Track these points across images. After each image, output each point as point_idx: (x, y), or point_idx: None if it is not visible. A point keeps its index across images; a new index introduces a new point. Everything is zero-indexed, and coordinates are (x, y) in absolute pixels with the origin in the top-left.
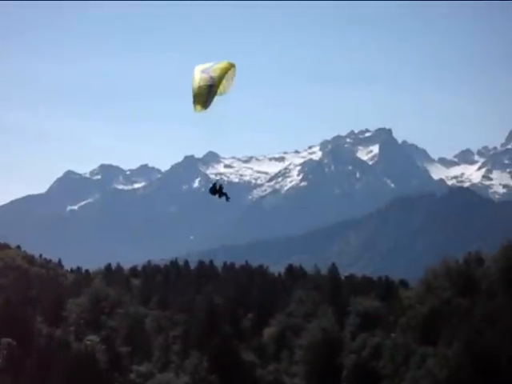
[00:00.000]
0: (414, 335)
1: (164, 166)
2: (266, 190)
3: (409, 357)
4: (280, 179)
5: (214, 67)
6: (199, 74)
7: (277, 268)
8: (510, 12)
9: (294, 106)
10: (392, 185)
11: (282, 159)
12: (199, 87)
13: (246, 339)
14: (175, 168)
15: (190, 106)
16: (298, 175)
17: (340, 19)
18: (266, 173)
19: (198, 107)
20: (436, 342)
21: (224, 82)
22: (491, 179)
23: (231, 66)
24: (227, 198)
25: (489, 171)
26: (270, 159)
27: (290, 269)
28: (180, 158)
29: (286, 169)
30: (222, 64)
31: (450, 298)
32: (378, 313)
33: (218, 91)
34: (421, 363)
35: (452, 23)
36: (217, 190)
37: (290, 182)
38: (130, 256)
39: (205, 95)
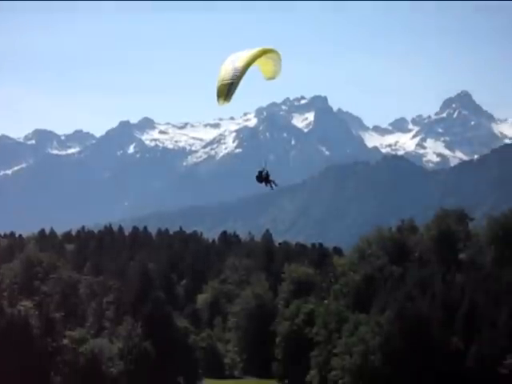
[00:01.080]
0: (347, 302)
1: (99, 132)
2: (200, 157)
3: (342, 324)
4: (215, 146)
5: (243, 56)
6: (226, 66)
7: (211, 235)
8: None
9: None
10: (327, 152)
11: (217, 126)
12: (222, 83)
13: (179, 305)
14: (110, 133)
15: (126, 73)
16: (233, 142)
17: None
18: (201, 139)
19: (221, 101)
20: (369, 309)
21: (267, 67)
22: (425, 148)
23: (263, 52)
24: (275, 185)
25: (423, 140)
26: (206, 126)
27: (224, 235)
28: (115, 124)
29: (221, 135)
30: (252, 52)
31: (383, 265)
32: (311, 280)
33: (266, 76)
34: (353, 330)
35: None
36: (263, 178)
37: (225, 148)
38: (64, 221)
39: (226, 90)
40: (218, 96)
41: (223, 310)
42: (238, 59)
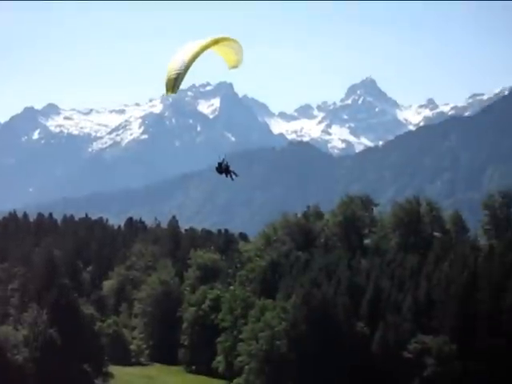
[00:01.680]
0: (253, 288)
1: (3, 118)
2: (106, 143)
3: (248, 309)
4: (120, 132)
5: (192, 47)
6: (176, 57)
7: (117, 221)
8: None
9: (134, 58)
10: (232, 138)
11: (122, 112)
12: (169, 76)
13: (85, 292)
14: (14, 119)
15: (31, 58)
16: (139, 128)
17: None
18: (107, 125)
19: (169, 92)
20: (275, 294)
21: (230, 56)
22: (330, 134)
23: (214, 42)
24: (235, 175)
25: (328, 126)
26: (111, 111)
27: (130, 222)
28: (19, 110)
29: (126, 121)
30: (202, 43)
31: (289, 251)
32: (217, 266)
33: (229, 65)
34: (260, 316)
35: None
36: (223, 169)
37: (131, 134)
38: None
39: (173, 82)
40: (166, 88)
41: (129, 297)
42: (187, 50)
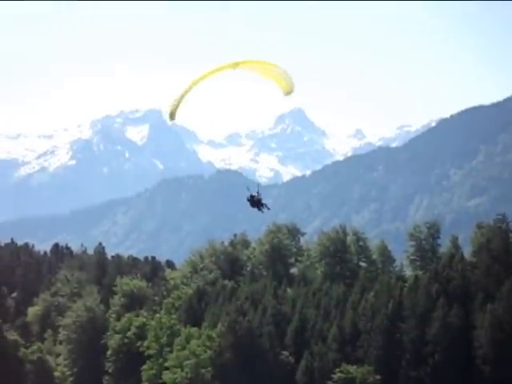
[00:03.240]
0: (179, 316)
1: None
2: (33, 168)
3: (173, 337)
4: (48, 157)
5: (199, 74)
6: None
7: (43, 247)
8: None
9: (62, 84)
10: (161, 166)
11: (50, 137)
12: (172, 104)
13: (9, 318)
14: None
15: None
16: (67, 153)
17: None
18: (34, 150)
19: (169, 121)
20: (201, 322)
21: (282, 83)
22: (258, 162)
23: (220, 69)
24: (268, 209)
25: (256, 154)
26: (39, 136)
27: (56, 248)
28: None
29: (54, 146)
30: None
31: (216, 279)
32: (143, 293)
33: (284, 92)
34: (185, 344)
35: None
36: (255, 201)
37: (59, 160)
38: None
39: (171, 110)
40: (170, 116)
41: (54, 323)
42: (194, 77)
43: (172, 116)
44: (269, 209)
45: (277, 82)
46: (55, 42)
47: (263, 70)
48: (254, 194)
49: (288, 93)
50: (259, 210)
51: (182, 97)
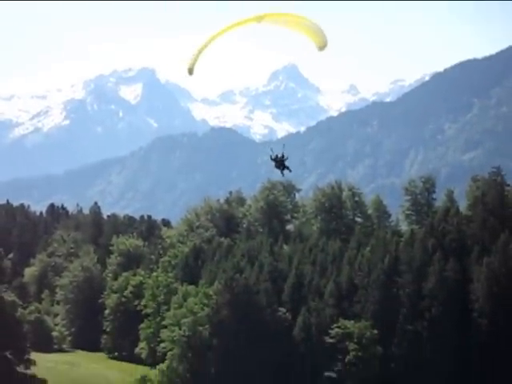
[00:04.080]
0: (175, 274)
1: None
2: (27, 129)
3: (170, 296)
4: (42, 117)
5: (220, 28)
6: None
7: (38, 207)
8: None
9: (55, 44)
10: (155, 124)
11: (44, 97)
12: (189, 65)
13: (6, 279)
14: None
15: None
16: (61, 114)
17: None
18: (28, 111)
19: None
20: (198, 280)
21: (313, 37)
22: (252, 120)
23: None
24: (289, 170)
25: (250, 112)
26: (32, 97)
27: (52, 208)
28: None
29: (48, 107)
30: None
31: (212, 237)
32: (140, 252)
33: (318, 47)
34: (182, 302)
35: None
36: (279, 162)
37: (52, 120)
38: None
39: (189, 64)
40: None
41: (51, 284)
42: (213, 31)
43: (190, 71)
44: (290, 171)
45: (309, 36)
46: (48, 3)
47: (292, 23)
48: (280, 155)
49: (322, 47)
50: (281, 170)
51: (200, 51)
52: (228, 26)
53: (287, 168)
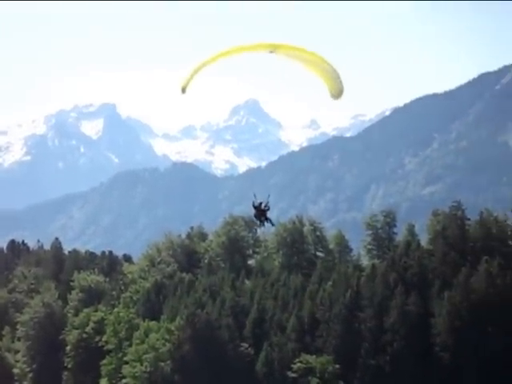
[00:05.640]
0: (137, 310)
1: None
2: None
3: (132, 331)
4: (2, 153)
5: (219, 51)
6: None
7: None
8: None
9: (14, 80)
10: (116, 159)
11: (4, 133)
12: (183, 83)
13: None
14: None
15: None
16: (22, 149)
17: None
18: None
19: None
20: (159, 316)
21: (329, 82)
22: (213, 154)
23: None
24: (272, 225)
25: (211, 147)
26: None
27: (12, 244)
28: None
29: (8, 143)
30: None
31: (173, 272)
32: (101, 288)
33: (332, 95)
34: (144, 338)
35: None
36: (260, 212)
37: (13, 156)
38: None
39: (184, 87)
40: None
41: (12, 320)
42: (217, 52)
43: (183, 90)
44: (273, 225)
45: (325, 81)
46: (6, 38)
47: (309, 62)
48: (263, 203)
49: (336, 96)
50: (261, 222)
51: (196, 71)
52: (234, 48)
53: (268, 220)
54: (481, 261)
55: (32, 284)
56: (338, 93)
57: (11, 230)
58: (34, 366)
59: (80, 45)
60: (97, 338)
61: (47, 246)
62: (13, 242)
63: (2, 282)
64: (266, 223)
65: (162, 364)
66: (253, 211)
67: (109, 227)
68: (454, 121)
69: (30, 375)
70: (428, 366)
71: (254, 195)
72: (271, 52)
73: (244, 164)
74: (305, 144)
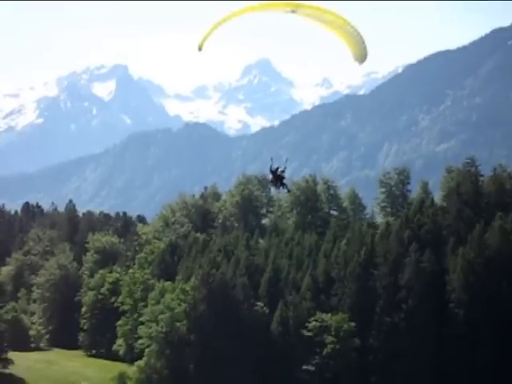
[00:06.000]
0: (152, 270)
1: None
2: (0, 128)
3: (147, 292)
4: (15, 116)
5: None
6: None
7: (13, 206)
8: None
9: (26, 41)
10: (128, 121)
11: (16, 96)
12: (200, 40)
13: None
14: None
15: None
16: (34, 112)
17: None
18: (1, 110)
19: (198, 50)
20: (174, 276)
21: (353, 45)
22: (226, 114)
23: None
24: (288, 190)
25: (224, 106)
26: (5, 96)
27: (27, 206)
28: None
29: (21, 105)
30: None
31: (188, 232)
32: (115, 249)
33: (356, 59)
34: (159, 298)
35: None
36: (276, 176)
37: (26, 118)
38: None
39: (201, 39)
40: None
41: (28, 282)
42: (236, 9)
43: (200, 48)
44: (289, 191)
45: (348, 45)
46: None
47: (333, 24)
48: (281, 168)
49: (360, 61)
50: (277, 187)
51: (213, 29)
52: (253, 6)
53: (285, 186)
54: (495, 217)
55: (47, 246)
56: (362, 57)
57: (25, 192)
58: (50, 328)
59: (92, 7)
60: (112, 299)
61: (61, 209)
62: (27, 204)
63: (17, 244)
64: (282, 188)
65: (178, 324)
66: (268, 173)
67: (122, 189)
68: (467, 77)
69: (47, 337)
70: (443, 323)
71: (271, 159)
72: (293, 11)
73: (257, 123)
74: (317, 102)
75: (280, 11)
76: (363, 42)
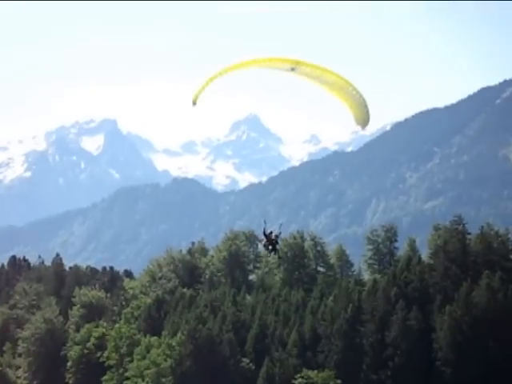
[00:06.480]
0: (138, 325)
1: None
2: None
3: (133, 347)
4: (3, 169)
5: (233, 64)
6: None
7: (0, 259)
8: None
9: (15, 96)
10: (117, 175)
11: (5, 149)
12: (194, 94)
13: None
14: None
15: None
16: (22, 165)
17: None
18: None
19: (193, 105)
20: (161, 332)
21: (355, 108)
22: (214, 170)
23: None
24: (278, 257)
25: (212, 162)
26: None
27: (14, 260)
28: None
29: (9, 159)
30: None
31: (174, 287)
32: (102, 303)
33: (357, 123)
34: (145, 353)
35: None
36: (270, 241)
37: (14, 172)
38: None
39: (194, 95)
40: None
41: (13, 336)
42: (229, 65)
43: (194, 103)
44: (280, 257)
45: (350, 108)
46: (7, 52)
47: (333, 85)
48: (275, 232)
49: (363, 125)
50: (268, 250)
51: (208, 83)
52: (251, 60)
53: (276, 252)
54: (482, 275)
55: (33, 300)
56: (364, 121)
57: (12, 245)
58: (36, 382)
59: (80, 58)
60: (98, 354)
61: (48, 262)
62: (14, 257)
63: (3, 297)
64: (273, 253)
65: (164, 380)
66: (261, 234)
67: (110, 243)
68: (454, 135)
69: None
70: (429, 381)
71: (265, 222)
72: (292, 69)
73: (245, 179)
74: (305, 159)
75: (279, 69)
76: (366, 106)
